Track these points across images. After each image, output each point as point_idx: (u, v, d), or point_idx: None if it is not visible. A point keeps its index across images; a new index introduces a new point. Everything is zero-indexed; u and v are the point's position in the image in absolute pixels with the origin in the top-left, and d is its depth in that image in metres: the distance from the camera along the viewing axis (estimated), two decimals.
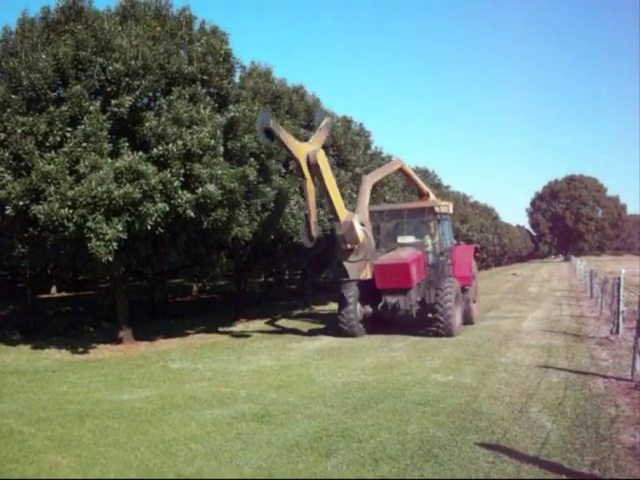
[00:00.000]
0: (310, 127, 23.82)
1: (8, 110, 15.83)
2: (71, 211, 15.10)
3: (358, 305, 19.84)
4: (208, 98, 17.28)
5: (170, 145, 15.71)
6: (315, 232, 17.78)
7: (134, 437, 9.01)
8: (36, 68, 15.90)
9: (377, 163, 27.29)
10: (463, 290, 20.68)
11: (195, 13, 18.96)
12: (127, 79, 16.16)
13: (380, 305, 19.37)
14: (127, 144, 16.26)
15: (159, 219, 15.84)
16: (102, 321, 23.29)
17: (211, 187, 16.21)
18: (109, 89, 16.23)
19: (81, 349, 18.13)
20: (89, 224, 15.14)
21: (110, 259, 15.47)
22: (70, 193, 14.99)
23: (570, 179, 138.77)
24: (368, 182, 20.86)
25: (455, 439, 8.40)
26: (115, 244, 15.32)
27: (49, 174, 15.14)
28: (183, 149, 15.80)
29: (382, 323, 20.59)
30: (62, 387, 13.15)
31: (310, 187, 17.45)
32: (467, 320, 20.98)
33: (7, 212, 15.55)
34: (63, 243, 16.20)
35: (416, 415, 9.74)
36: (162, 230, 16.37)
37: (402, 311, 19.24)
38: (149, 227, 15.81)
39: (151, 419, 10.02)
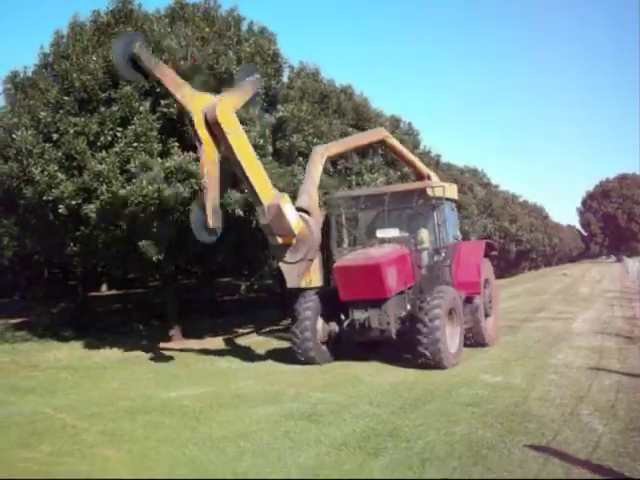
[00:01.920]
0: (359, 127, 23.81)
1: (61, 111, 16.22)
2: (122, 210, 15.35)
3: (320, 322, 14.93)
4: (257, 98, 17.37)
5: None
6: (214, 221, 12.69)
7: (183, 434, 9.11)
8: (87, 70, 16.26)
9: (426, 162, 27.06)
10: (468, 301, 15.87)
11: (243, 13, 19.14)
12: None
13: (346, 322, 14.50)
14: (177, 144, 16.44)
15: None
16: (152, 319, 23.63)
17: None
18: (158, 90, 16.41)
19: (131, 346, 18.41)
20: (140, 223, 15.38)
21: (160, 258, 15.68)
22: (121, 192, 15.24)
23: (622, 178, 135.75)
24: (320, 154, 15.68)
25: (504, 440, 8.27)
26: (165, 243, 15.53)
27: (101, 173, 15.45)
28: None
29: (368, 344, 15.53)
30: (113, 383, 13.43)
31: (209, 154, 12.76)
32: (477, 341, 16.11)
33: (60, 211, 15.90)
34: (114, 242, 16.48)
35: (464, 416, 9.64)
36: None
37: (375, 331, 14.25)
38: None
39: (200, 416, 10.12)
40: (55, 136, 16.15)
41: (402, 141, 26.44)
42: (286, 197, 13.65)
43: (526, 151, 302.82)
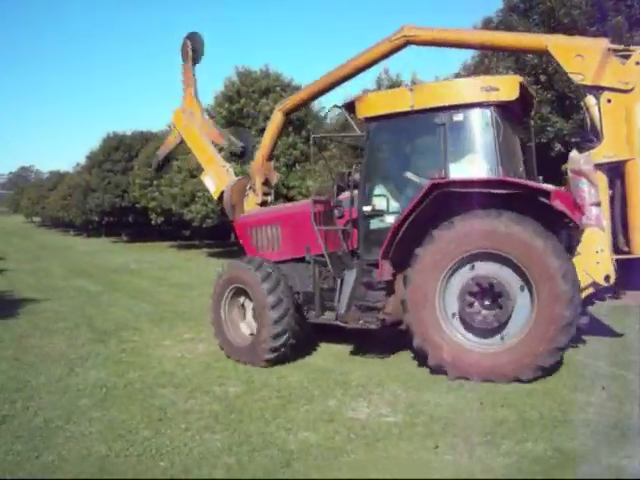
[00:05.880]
0: None
1: None
2: None
3: None
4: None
5: None
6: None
7: None
8: (575, 4, 15.87)
9: None
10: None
11: None
12: None
13: None
14: None
15: None
16: None
17: None
18: None
19: None
20: None
21: None
22: None
23: None
24: (276, 112, 12.74)
25: None
26: None
27: None
28: None
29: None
30: None
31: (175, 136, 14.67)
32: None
33: (556, 149, 15.97)
34: None
35: None
36: None
37: None
38: None
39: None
40: (543, 77, 16.14)
41: None
42: (207, 170, 13.40)
43: None
